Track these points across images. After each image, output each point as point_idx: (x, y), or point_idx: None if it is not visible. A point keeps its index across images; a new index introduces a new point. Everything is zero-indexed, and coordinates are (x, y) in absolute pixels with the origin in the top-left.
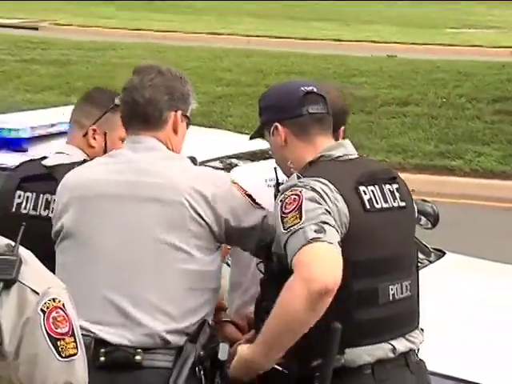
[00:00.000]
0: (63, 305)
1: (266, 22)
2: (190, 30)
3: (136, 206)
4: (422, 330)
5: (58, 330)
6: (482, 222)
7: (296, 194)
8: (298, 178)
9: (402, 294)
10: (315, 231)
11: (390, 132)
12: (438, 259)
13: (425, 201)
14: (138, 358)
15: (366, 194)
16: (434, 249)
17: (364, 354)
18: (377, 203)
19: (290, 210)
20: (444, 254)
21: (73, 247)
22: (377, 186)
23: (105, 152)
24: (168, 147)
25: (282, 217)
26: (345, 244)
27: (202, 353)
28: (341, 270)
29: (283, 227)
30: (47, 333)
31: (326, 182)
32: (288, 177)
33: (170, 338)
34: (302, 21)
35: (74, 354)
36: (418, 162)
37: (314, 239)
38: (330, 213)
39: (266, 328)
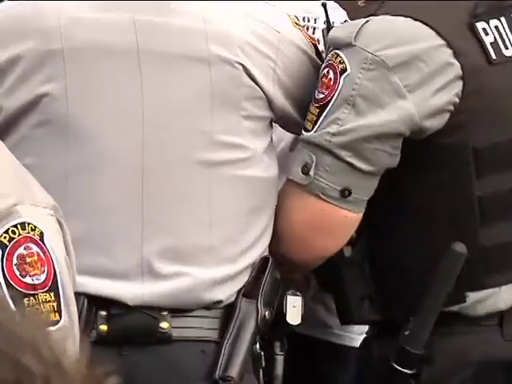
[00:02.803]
0: (41, 236)
1: None
2: None
3: (162, 69)
4: None
5: (27, 280)
6: None
7: (335, 65)
8: (366, 20)
9: None
10: (303, 167)
11: None
12: None
13: None
14: (163, 325)
15: (487, 34)
16: None
17: (493, 298)
18: (506, 48)
19: (318, 95)
20: None
21: (55, 141)
22: (503, 19)
23: None
24: None
25: (313, 97)
26: (457, 124)
27: (267, 313)
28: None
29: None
30: (7, 281)
31: (419, 26)
32: (349, 12)
33: (218, 291)
34: None
35: (54, 323)
36: None
37: (298, 183)
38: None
39: None
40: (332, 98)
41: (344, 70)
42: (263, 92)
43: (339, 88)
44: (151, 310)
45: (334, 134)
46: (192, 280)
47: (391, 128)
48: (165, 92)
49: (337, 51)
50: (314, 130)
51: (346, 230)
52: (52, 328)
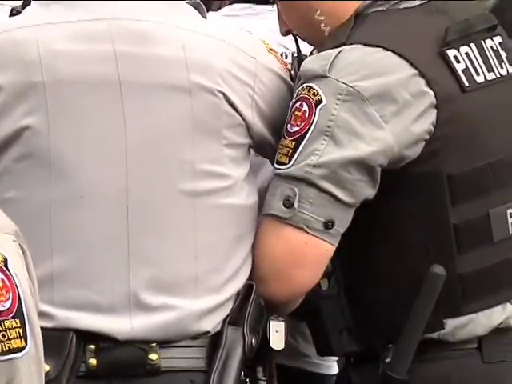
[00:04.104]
0: (5, 262)
1: None
2: None
3: (144, 99)
4: None
5: None
6: None
7: (309, 97)
8: (338, 51)
9: None
10: (285, 201)
11: None
12: None
13: None
14: (152, 356)
15: (458, 61)
16: None
17: (471, 324)
18: (477, 74)
19: (292, 129)
20: None
21: (37, 174)
22: (473, 45)
23: None
24: None
25: (285, 130)
26: (432, 152)
27: (253, 340)
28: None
29: (277, 156)
30: None
31: (390, 56)
32: (316, 46)
33: (204, 322)
34: None
35: (20, 350)
36: None
37: (278, 217)
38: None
39: None
40: (308, 129)
41: (319, 102)
42: (243, 119)
43: (315, 119)
44: (140, 343)
45: (314, 166)
46: (179, 312)
47: (370, 159)
48: (147, 122)
49: (309, 84)
50: (291, 163)
51: (325, 262)
52: (19, 354)
